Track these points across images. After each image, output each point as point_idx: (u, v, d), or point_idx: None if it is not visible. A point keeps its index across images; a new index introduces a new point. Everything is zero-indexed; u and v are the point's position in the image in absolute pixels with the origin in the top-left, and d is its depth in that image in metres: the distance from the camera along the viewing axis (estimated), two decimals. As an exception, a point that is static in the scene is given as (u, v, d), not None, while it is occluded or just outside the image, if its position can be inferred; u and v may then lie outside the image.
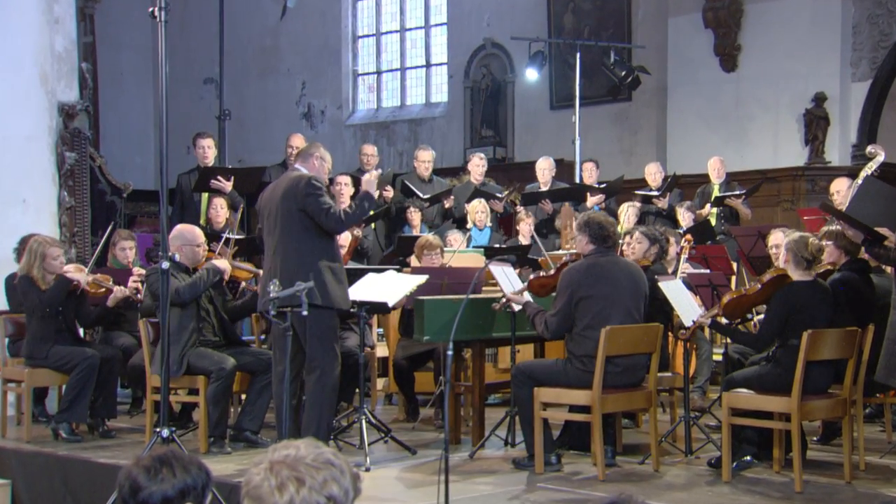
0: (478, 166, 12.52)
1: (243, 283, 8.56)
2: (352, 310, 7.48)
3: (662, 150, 15.76)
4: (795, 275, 6.84)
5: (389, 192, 11.74)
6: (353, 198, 10.86)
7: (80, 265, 8.93)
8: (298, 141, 11.46)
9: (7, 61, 10.49)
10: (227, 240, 9.20)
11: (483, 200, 11.85)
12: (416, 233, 11.43)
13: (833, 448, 7.67)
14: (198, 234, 8.21)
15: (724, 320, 7.20)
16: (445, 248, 9.53)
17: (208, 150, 11.10)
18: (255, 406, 7.89)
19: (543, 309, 7.14)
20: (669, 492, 6.52)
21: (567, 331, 7.00)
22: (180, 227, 8.31)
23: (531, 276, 7.60)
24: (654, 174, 12.58)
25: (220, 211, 10.53)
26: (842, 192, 9.54)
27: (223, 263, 8.02)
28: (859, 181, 7.62)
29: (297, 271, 6.79)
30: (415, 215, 11.62)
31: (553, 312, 7.00)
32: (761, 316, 7.51)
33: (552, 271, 7.43)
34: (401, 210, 11.89)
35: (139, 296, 8.57)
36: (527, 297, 7.36)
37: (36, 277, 8.32)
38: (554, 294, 7.25)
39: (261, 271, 8.25)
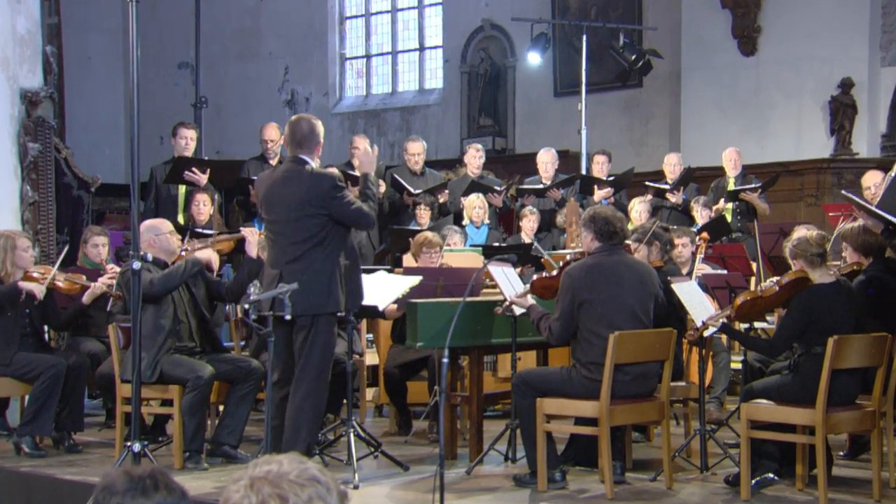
0: (475, 158, 12.51)
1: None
2: (339, 314, 7.49)
3: (676, 141, 15.79)
4: (815, 276, 6.83)
5: (381, 187, 11.72)
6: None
7: (48, 266, 8.92)
8: (273, 133, 11.41)
9: (-36, 45, 10.48)
10: (198, 234, 9.21)
11: (481, 195, 11.83)
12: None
13: (861, 463, 7.67)
14: (165, 223, 8.24)
15: (738, 325, 7.21)
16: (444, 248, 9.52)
17: (190, 143, 11.01)
18: (234, 418, 7.87)
19: (548, 312, 7.14)
20: (683, 511, 6.53)
21: (572, 336, 7.00)
22: (146, 222, 8.31)
23: (534, 278, 7.60)
24: (672, 166, 12.56)
25: (202, 208, 10.50)
26: (878, 184, 9.53)
27: (205, 254, 7.99)
28: (893, 173, 7.62)
29: (325, 278, 6.79)
30: (424, 212, 11.57)
31: (556, 317, 7.00)
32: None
33: (555, 272, 7.43)
34: (398, 205, 11.86)
35: (114, 290, 8.55)
36: (530, 300, 7.36)
37: (5, 273, 8.31)
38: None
39: (242, 231, 8.23)
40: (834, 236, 8.34)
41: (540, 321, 7.12)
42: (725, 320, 7.05)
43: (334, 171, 8.70)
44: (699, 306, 7.30)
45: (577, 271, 7.00)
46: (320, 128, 7.25)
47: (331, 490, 2.71)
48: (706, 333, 7.25)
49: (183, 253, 8.17)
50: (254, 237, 7.98)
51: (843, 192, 7.95)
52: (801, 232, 8.41)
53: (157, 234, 8.05)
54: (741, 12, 15.20)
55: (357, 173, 11.55)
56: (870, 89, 14.58)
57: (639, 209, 11.49)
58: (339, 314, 7.13)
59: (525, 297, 7.34)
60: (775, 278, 7.11)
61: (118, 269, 8.79)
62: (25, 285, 8.32)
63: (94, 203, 13.69)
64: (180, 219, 10.69)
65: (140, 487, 2.85)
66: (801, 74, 14.90)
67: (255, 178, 10.47)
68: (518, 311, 7.40)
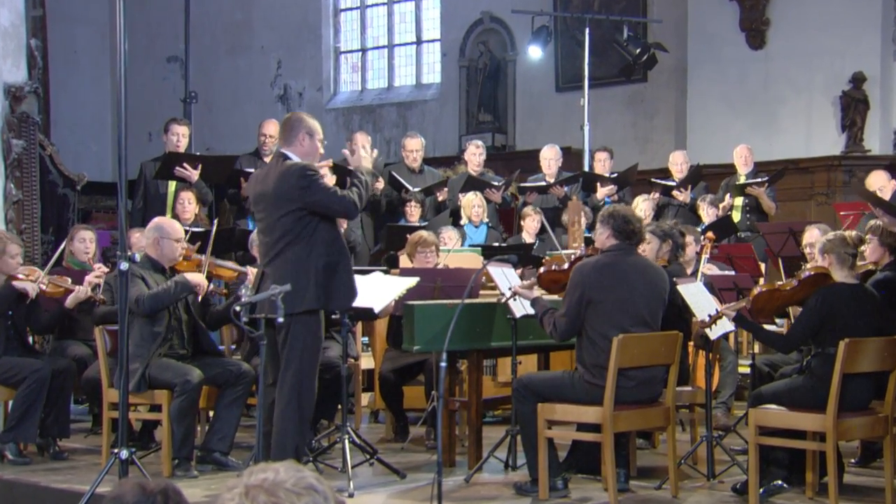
0: (475, 155, 12.48)
1: (211, 286, 8.56)
2: (333, 316, 7.48)
3: (682, 138, 15.77)
4: (839, 275, 6.85)
5: (380, 184, 11.72)
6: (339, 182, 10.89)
7: (33, 267, 8.91)
8: (273, 128, 11.43)
9: (-54, 37, 10.49)
10: (192, 235, 9.20)
11: (479, 194, 11.81)
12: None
13: (873, 471, 7.68)
14: (177, 227, 8.20)
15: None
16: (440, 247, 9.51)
17: (182, 139, 11.01)
18: (225, 424, 7.86)
19: (553, 307, 7.14)
20: (690, 520, 6.54)
21: (577, 333, 6.99)
22: (159, 219, 8.32)
23: (541, 270, 7.59)
24: (679, 164, 12.57)
25: (187, 206, 10.49)
26: (885, 188, 9.51)
27: (196, 277, 7.95)
28: None
29: (289, 275, 6.77)
30: (414, 210, 11.57)
31: (562, 313, 6.99)
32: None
33: (566, 265, 7.43)
34: (396, 203, 11.85)
35: (99, 294, 8.55)
36: (536, 291, 7.36)
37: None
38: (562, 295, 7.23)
39: (247, 269, 8.27)
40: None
41: (544, 316, 7.10)
42: (740, 311, 7.07)
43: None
44: (706, 308, 7.30)
45: (589, 268, 6.99)
46: (307, 119, 7.19)
47: (328, 499, 2.71)
48: (718, 330, 7.27)
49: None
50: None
51: (857, 186, 7.90)
52: (813, 232, 8.42)
53: (164, 236, 8.02)
54: (749, 4, 15.18)
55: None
56: (882, 84, 14.57)
57: (642, 207, 11.50)
58: (333, 316, 7.12)
59: (531, 289, 7.35)
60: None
61: (105, 269, 8.78)
62: (19, 284, 8.32)
63: (81, 202, 13.72)
64: (168, 217, 10.68)
65: (150, 502, 2.86)
66: (811, 69, 14.88)
67: (248, 169, 10.51)
68: (517, 312, 7.40)
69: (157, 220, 8.32)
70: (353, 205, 6.99)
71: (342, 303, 7.12)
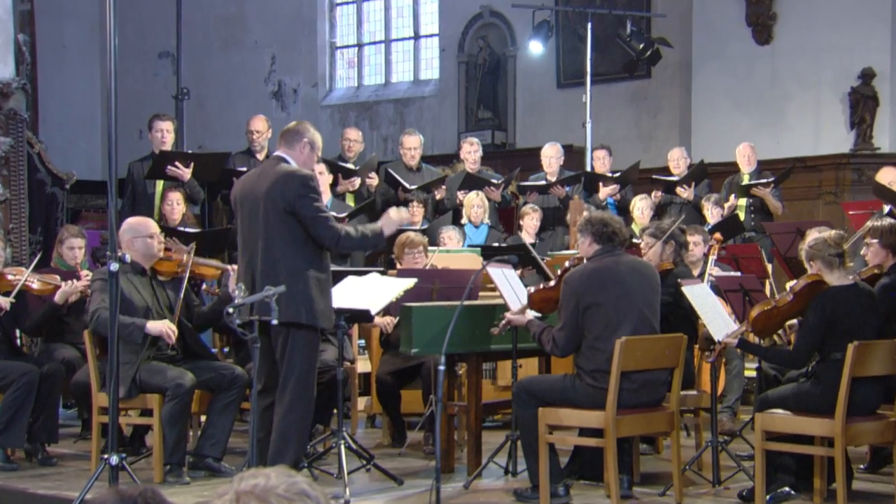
0: (471, 153, 12.45)
1: (204, 286, 8.53)
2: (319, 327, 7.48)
3: (686, 135, 15.77)
4: (832, 279, 6.84)
5: (374, 180, 11.73)
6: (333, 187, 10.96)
7: (20, 267, 8.90)
8: (261, 125, 11.46)
9: (-69, 32, 10.49)
10: (182, 235, 9.19)
11: (480, 193, 11.80)
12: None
13: (882, 477, 7.68)
14: (149, 224, 8.16)
15: (755, 339, 7.22)
16: (438, 248, 9.51)
17: (167, 135, 11.02)
18: (217, 429, 7.86)
19: (549, 325, 7.13)
20: (694, 527, 6.54)
21: (578, 345, 6.98)
22: (129, 220, 8.27)
23: (531, 290, 7.58)
24: (677, 160, 12.57)
25: (175, 206, 10.48)
26: (894, 182, 9.50)
27: (159, 327, 7.82)
28: None
29: (281, 281, 6.77)
30: (417, 210, 11.56)
31: (560, 326, 6.98)
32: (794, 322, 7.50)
33: (552, 283, 7.41)
34: (393, 202, 11.84)
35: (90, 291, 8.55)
36: (529, 314, 7.35)
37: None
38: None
39: (229, 267, 8.26)
40: (855, 237, 8.33)
41: (542, 334, 7.10)
42: (742, 336, 7.08)
43: (317, 169, 8.72)
44: (712, 311, 7.30)
45: (578, 275, 6.99)
46: (312, 131, 7.31)
47: (321, 504, 2.71)
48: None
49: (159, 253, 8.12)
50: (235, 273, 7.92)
51: (877, 183, 7.81)
52: (815, 233, 8.42)
53: (136, 235, 7.98)
54: (756, -1, 15.20)
55: (349, 166, 11.64)
56: (892, 80, 14.56)
57: (640, 206, 11.49)
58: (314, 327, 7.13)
59: (523, 313, 7.33)
60: (791, 283, 7.11)
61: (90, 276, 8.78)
62: None
63: (69, 201, 13.71)
64: (156, 216, 10.67)
65: None
66: (820, 64, 14.87)
67: (241, 168, 10.51)
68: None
69: (126, 220, 8.25)
70: (334, 239, 7.05)
71: (325, 324, 7.18)
